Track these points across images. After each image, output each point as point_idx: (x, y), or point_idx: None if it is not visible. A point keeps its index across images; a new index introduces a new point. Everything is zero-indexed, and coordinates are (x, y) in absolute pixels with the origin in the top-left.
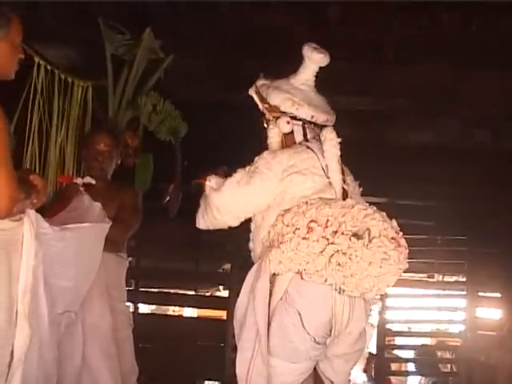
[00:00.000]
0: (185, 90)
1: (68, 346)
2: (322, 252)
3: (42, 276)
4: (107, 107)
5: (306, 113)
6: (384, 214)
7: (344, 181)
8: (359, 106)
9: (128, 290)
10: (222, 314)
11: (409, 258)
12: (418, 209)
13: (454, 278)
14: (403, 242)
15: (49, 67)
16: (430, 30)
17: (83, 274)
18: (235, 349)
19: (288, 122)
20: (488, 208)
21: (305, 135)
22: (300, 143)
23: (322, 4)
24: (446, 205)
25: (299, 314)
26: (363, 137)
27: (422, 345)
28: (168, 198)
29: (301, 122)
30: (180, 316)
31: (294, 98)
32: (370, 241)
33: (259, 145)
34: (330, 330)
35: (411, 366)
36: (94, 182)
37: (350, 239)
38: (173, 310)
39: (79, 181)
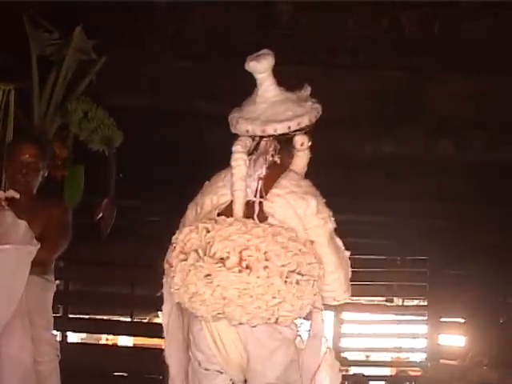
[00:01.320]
0: (120, 96)
1: None
2: (167, 274)
3: None
4: (33, 113)
5: (241, 129)
6: (256, 231)
7: (262, 196)
8: None
9: (55, 317)
10: (161, 343)
11: (365, 280)
12: (375, 226)
13: (414, 302)
14: (251, 262)
15: None
16: (388, 32)
17: (2, 303)
18: None
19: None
20: (451, 226)
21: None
22: None
23: (272, 2)
24: (406, 222)
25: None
26: (316, 147)
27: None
28: (101, 215)
29: (257, 139)
30: (114, 345)
31: (233, 115)
32: (198, 261)
33: (200, 155)
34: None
35: None
36: (17, 195)
37: (178, 261)
38: (106, 339)
39: (1, 194)
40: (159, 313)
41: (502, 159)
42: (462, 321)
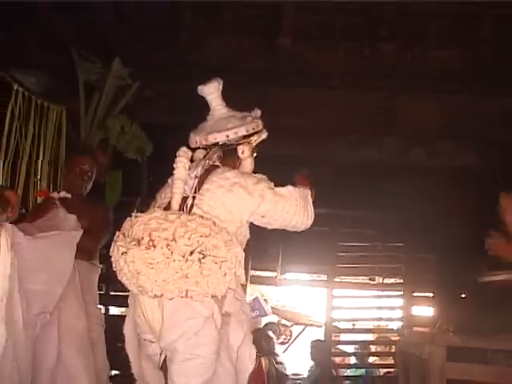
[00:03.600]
0: (150, 113)
1: (43, 345)
2: None
3: (17, 282)
4: (79, 129)
5: (191, 140)
6: (170, 217)
7: (195, 192)
8: (307, 127)
9: (100, 294)
10: None
11: (353, 263)
12: (361, 219)
13: (392, 280)
14: (157, 241)
15: (26, 93)
16: (371, 59)
17: (55, 278)
18: None
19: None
20: (423, 219)
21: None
22: None
23: (274, 33)
24: (386, 216)
25: None
26: (311, 155)
27: (364, 341)
28: (135, 211)
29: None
30: None
31: (192, 132)
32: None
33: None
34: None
35: (354, 359)
36: (69, 195)
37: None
38: None
39: (55, 195)
40: None
41: (464, 164)
42: (431, 295)
